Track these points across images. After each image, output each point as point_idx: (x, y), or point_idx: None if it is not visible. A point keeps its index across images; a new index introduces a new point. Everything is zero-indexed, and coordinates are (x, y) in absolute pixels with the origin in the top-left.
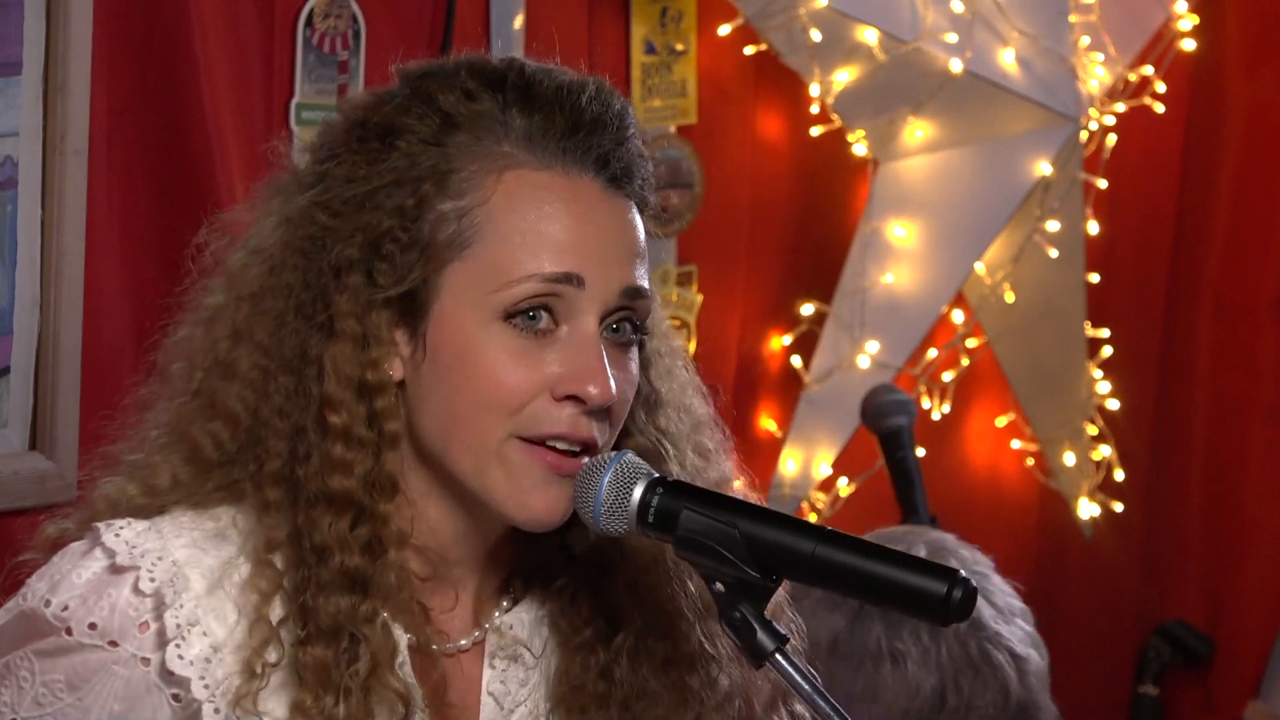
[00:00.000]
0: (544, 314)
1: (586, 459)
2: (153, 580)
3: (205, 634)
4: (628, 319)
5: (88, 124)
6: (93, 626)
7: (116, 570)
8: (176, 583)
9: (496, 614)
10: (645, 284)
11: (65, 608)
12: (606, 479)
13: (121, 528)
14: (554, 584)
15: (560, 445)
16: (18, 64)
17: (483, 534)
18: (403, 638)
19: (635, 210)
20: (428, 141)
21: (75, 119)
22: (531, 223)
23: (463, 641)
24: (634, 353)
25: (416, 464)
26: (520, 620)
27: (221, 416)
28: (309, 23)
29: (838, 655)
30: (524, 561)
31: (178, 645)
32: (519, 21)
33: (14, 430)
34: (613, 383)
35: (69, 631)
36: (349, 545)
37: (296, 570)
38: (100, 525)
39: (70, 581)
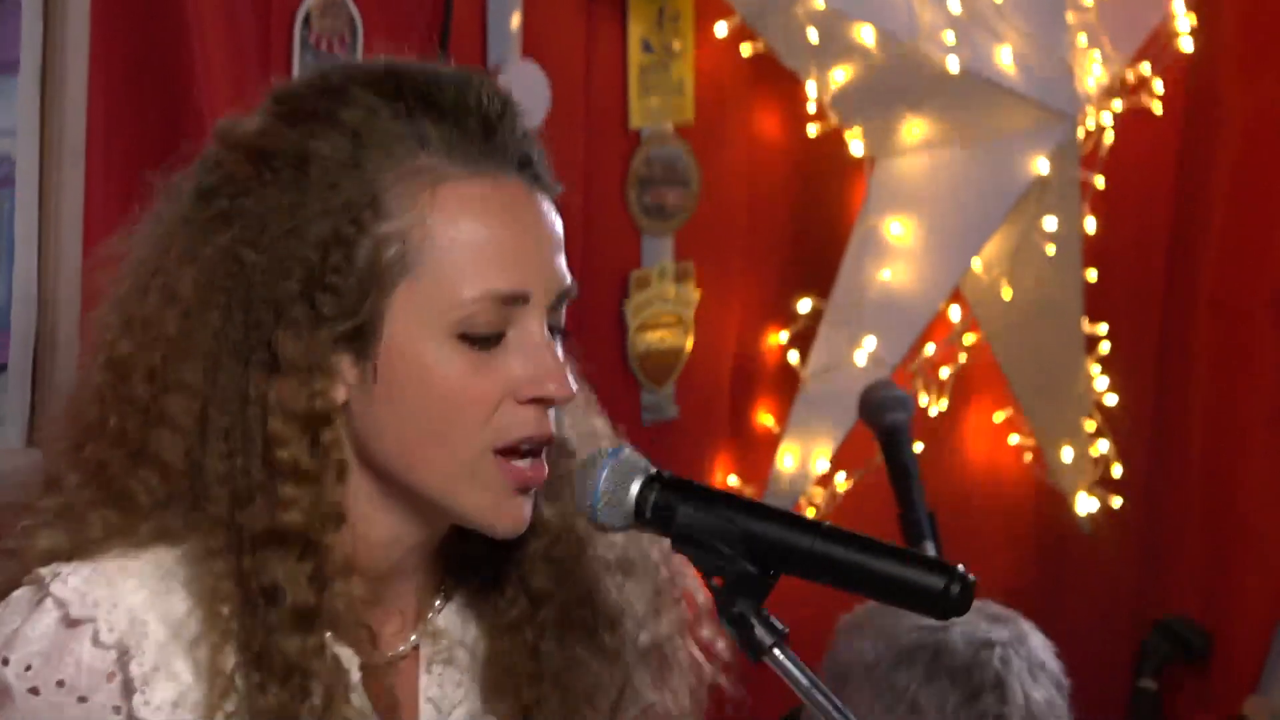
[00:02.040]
0: (496, 326)
1: (535, 459)
2: (112, 630)
3: (169, 678)
4: (559, 316)
5: (85, 122)
6: (60, 684)
7: (72, 623)
8: (136, 629)
9: (430, 614)
10: (570, 279)
11: (28, 667)
12: (604, 474)
13: (69, 574)
14: (480, 572)
15: (525, 446)
16: (15, 62)
17: (430, 540)
18: (353, 660)
19: (550, 201)
20: (344, 164)
21: (72, 117)
22: (474, 238)
23: (401, 648)
24: (559, 341)
25: (363, 483)
26: (452, 621)
27: (152, 464)
28: (306, 23)
29: (871, 679)
30: (454, 555)
31: (143, 692)
32: (516, 20)
33: (11, 427)
34: (571, 379)
35: (35, 692)
36: (298, 581)
37: (245, 615)
38: (44, 572)
39: (25, 636)
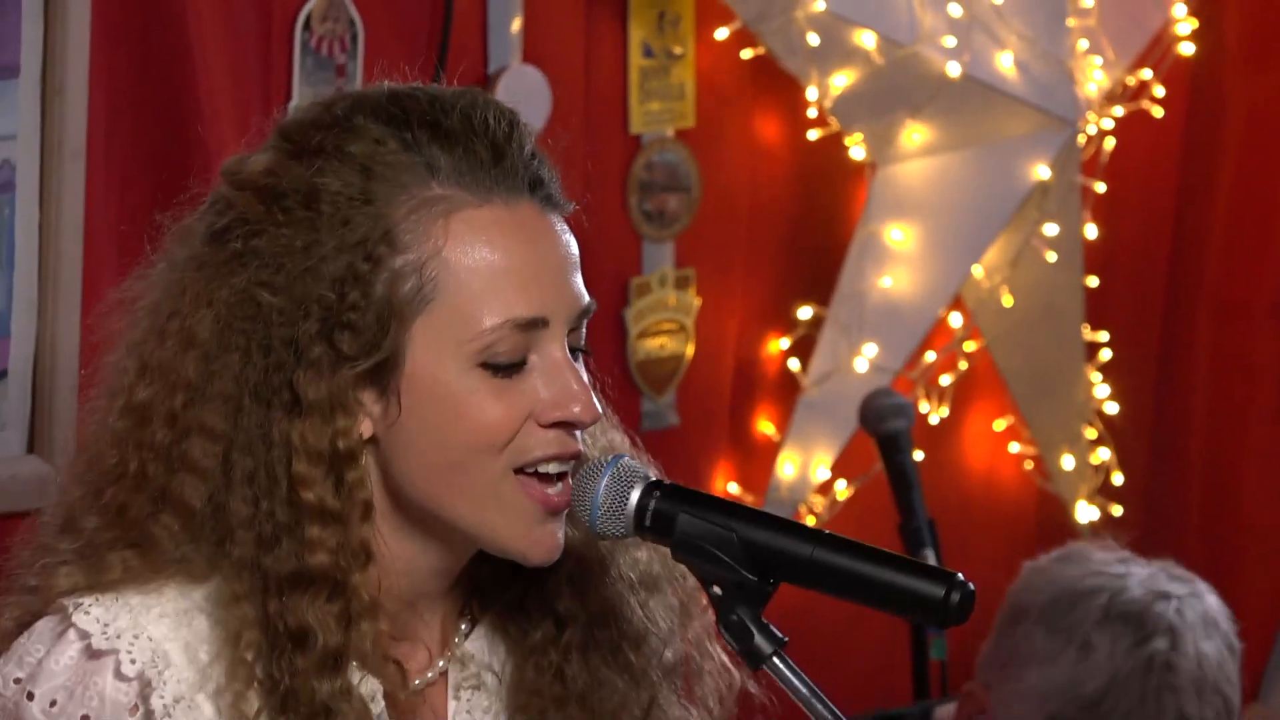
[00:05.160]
0: (518, 352)
1: (562, 482)
2: (134, 662)
3: (191, 708)
4: (580, 337)
5: (85, 126)
6: (85, 719)
7: (95, 654)
8: (158, 661)
9: (457, 639)
10: (589, 297)
11: (53, 703)
12: (604, 482)
13: (90, 605)
14: (505, 593)
15: (553, 467)
16: (15, 66)
17: (455, 566)
18: (377, 690)
19: (563, 221)
20: (355, 199)
21: (73, 121)
22: (491, 266)
23: (430, 674)
24: (581, 357)
25: (390, 519)
26: (480, 645)
27: (174, 508)
28: (307, 26)
29: (1045, 618)
30: (480, 578)
31: None
32: (517, 25)
33: (12, 433)
34: (596, 401)
35: None
36: (327, 623)
37: (270, 660)
38: (67, 602)
39: (49, 669)
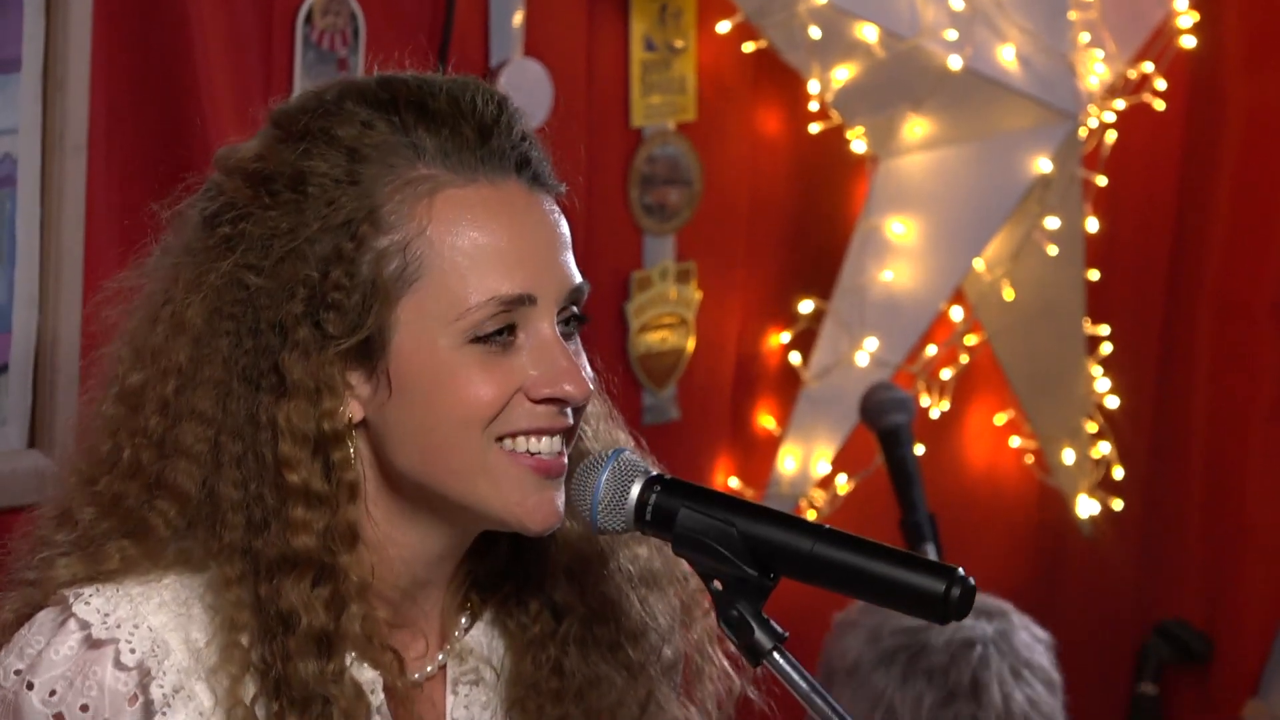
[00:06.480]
0: (506, 329)
1: (556, 455)
2: (133, 652)
3: (190, 698)
4: (572, 313)
5: (87, 120)
6: (85, 709)
7: (95, 644)
8: (157, 651)
9: (457, 633)
10: (581, 278)
11: (53, 692)
12: (604, 476)
13: (91, 595)
14: (503, 586)
15: (543, 444)
16: (17, 60)
17: (454, 554)
18: (377, 682)
19: (553, 202)
20: (341, 181)
21: (74, 115)
22: (475, 244)
23: (429, 668)
24: (577, 339)
25: (384, 501)
26: (480, 639)
27: (168, 494)
28: (308, 19)
29: (852, 680)
30: (480, 571)
31: (164, 714)
32: (518, 18)
33: (13, 428)
34: (587, 378)
35: (60, 718)
36: (313, 606)
37: (263, 644)
38: (67, 593)
39: (49, 659)
